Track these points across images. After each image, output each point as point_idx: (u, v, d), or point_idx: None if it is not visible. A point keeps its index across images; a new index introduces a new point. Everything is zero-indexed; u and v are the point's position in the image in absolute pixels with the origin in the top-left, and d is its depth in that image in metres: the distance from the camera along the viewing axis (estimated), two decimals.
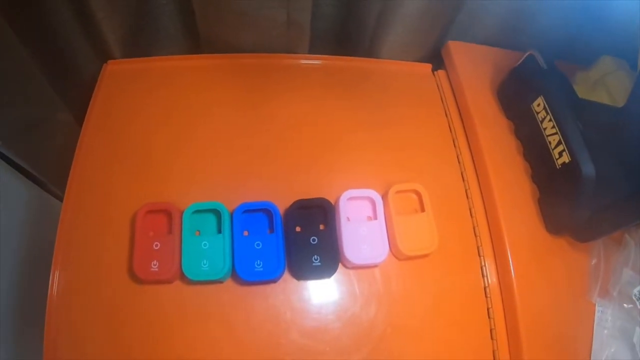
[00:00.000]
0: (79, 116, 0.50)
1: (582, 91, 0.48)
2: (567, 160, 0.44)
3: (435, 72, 0.56)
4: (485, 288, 0.47)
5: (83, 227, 0.45)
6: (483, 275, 0.47)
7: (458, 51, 0.55)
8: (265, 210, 0.44)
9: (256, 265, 0.42)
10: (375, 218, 0.45)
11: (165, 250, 0.42)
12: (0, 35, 0.45)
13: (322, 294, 0.44)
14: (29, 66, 0.49)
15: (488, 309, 0.46)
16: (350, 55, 0.56)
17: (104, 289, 0.43)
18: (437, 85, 0.55)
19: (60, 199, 0.45)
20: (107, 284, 0.43)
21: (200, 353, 0.41)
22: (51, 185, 0.63)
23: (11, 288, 0.59)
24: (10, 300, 0.59)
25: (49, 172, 0.60)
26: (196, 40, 0.56)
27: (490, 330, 0.46)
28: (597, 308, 0.46)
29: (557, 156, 0.45)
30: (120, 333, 0.42)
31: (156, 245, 0.42)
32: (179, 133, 0.50)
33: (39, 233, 0.62)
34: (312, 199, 0.44)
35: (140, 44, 0.54)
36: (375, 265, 0.45)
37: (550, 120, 0.46)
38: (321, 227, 0.45)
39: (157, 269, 0.42)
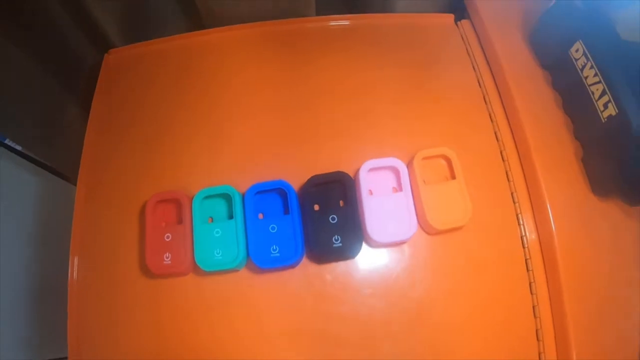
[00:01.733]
0: (88, 107, 0.48)
1: (626, 32, 0.41)
2: (613, 113, 0.38)
3: (458, 23, 0.50)
4: (526, 260, 0.42)
5: (96, 217, 0.43)
6: (524, 246, 0.43)
7: None
8: (279, 190, 0.41)
9: (272, 251, 0.39)
10: (401, 189, 0.41)
11: (177, 241, 0.40)
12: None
13: (345, 277, 0.41)
14: (33, 70, 0.48)
15: (530, 284, 0.42)
16: (362, 12, 0.50)
17: (119, 283, 0.41)
18: (462, 37, 0.49)
19: None
20: (122, 278, 0.41)
21: (218, 345, 0.39)
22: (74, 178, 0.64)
23: (29, 272, 0.60)
24: (28, 281, 0.60)
25: (70, 166, 0.59)
26: (197, 17, 0.53)
27: (533, 306, 0.41)
28: None
29: (601, 108, 0.39)
30: (137, 328, 0.40)
31: (167, 237, 0.40)
32: (185, 115, 0.46)
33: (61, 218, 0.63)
34: (329, 173, 0.40)
35: (140, 29, 0.51)
36: (402, 243, 0.41)
37: (591, 67, 0.40)
38: (341, 203, 0.41)
39: (169, 262, 0.39)
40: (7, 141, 0.53)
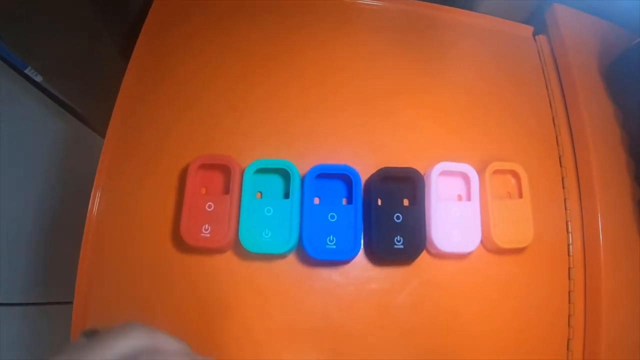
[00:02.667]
0: (126, 54, 0.42)
1: None
2: None
3: (536, 37, 0.48)
4: (569, 293, 0.41)
5: (124, 172, 0.38)
6: (569, 278, 0.41)
7: (564, 16, 0.47)
8: (343, 176, 0.37)
9: (328, 242, 0.35)
10: (469, 199, 0.38)
11: (220, 212, 0.35)
12: None
13: (398, 280, 0.37)
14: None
15: (569, 316, 0.40)
16: (446, 4, 0.47)
17: (143, 244, 0.36)
18: (538, 53, 0.47)
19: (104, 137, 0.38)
20: (147, 246, 0.36)
21: (252, 336, 0.35)
22: (94, 121, 0.57)
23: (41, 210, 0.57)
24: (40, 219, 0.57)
25: (91, 108, 0.53)
26: None
27: (568, 340, 0.40)
28: None
29: None
30: (159, 305, 0.35)
31: (209, 206, 0.35)
32: (241, 77, 0.41)
33: (81, 168, 0.58)
34: (401, 168, 0.37)
35: None
36: (462, 255, 0.38)
37: None
38: (405, 202, 0.38)
39: (208, 235, 0.34)
40: (28, 70, 0.45)
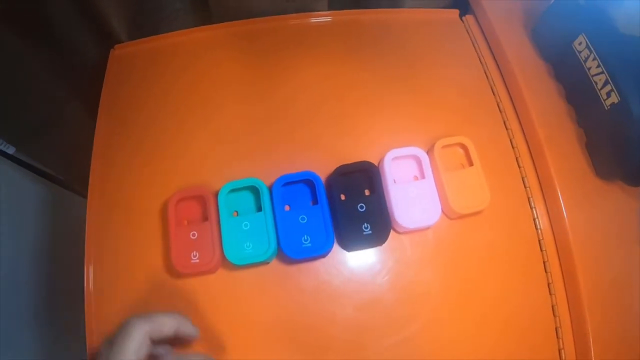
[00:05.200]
0: (91, 109, 0.46)
1: (626, 27, 0.44)
2: (616, 101, 0.40)
3: (463, 18, 0.52)
4: (539, 240, 0.44)
5: (111, 222, 0.41)
6: (536, 228, 0.45)
7: None
8: (306, 181, 0.41)
9: (304, 241, 0.39)
10: (423, 177, 0.42)
11: (204, 238, 0.39)
12: (2, 41, 0.42)
13: (374, 263, 0.41)
14: (33, 66, 0.46)
15: (544, 262, 0.44)
16: (372, 8, 0.51)
17: (142, 288, 0.40)
18: (467, 31, 0.51)
19: (83, 196, 0.42)
20: (144, 282, 0.40)
21: (251, 340, 0.38)
22: (71, 183, 0.60)
23: (34, 286, 0.59)
24: (34, 296, 0.58)
25: (66, 169, 0.57)
26: (206, 13, 0.52)
27: (548, 284, 0.43)
28: None
29: (604, 97, 0.42)
30: None
31: (193, 235, 0.39)
32: (200, 110, 0.46)
33: (63, 230, 0.60)
34: (355, 163, 0.41)
35: (147, 24, 0.50)
36: (427, 228, 0.42)
37: (594, 59, 0.42)
38: (366, 192, 0.42)
39: (198, 260, 0.38)
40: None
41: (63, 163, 0.57)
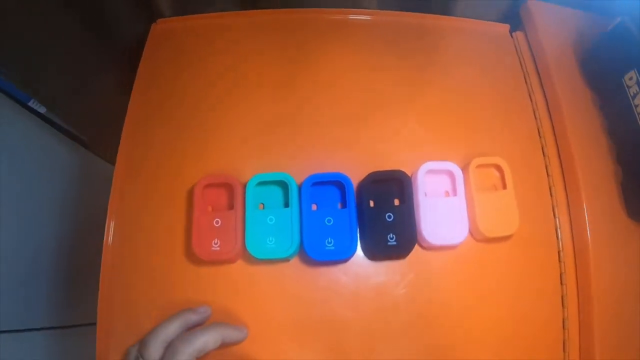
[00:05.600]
0: (125, 81, 0.46)
1: None
2: None
3: (513, 34, 0.51)
4: (561, 274, 0.43)
5: (136, 199, 0.41)
6: (560, 261, 0.44)
7: (539, 11, 0.49)
8: (336, 183, 0.40)
9: (327, 244, 0.38)
10: (455, 194, 0.41)
11: (227, 226, 0.38)
12: (43, 2, 0.41)
13: (394, 274, 0.40)
14: (70, 30, 0.46)
15: (562, 297, 0.43)
16: (423, 12, 0.50)
17: (159, 271, 0.40)
18: (516, 48, 0.50)
19: (109, 163, 0.42)
20: (162, 264, 0.40)
21: (264, 336, 0.38)
22: (96, 148, 0.61)
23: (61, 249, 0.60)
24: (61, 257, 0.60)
25: (93, 135, 0.57)
26: None
27: (563, 320, 0.42)
28: None
29: None
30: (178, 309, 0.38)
31: (217, 222, 0.39)
32: (237, 97, 0.45)
33: (89, 194, 0.61)
34: (388, 171, 0.40)
35: (191, 1, 0.49)
36: (452, 247, 0.41)
37: None
38: (396, 202, 0.41)
39: (218, 248, 0.38)
40: (31, 103, 0.50)
41: (91, 129, 0.56)
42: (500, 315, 0.41)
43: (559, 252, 0.44)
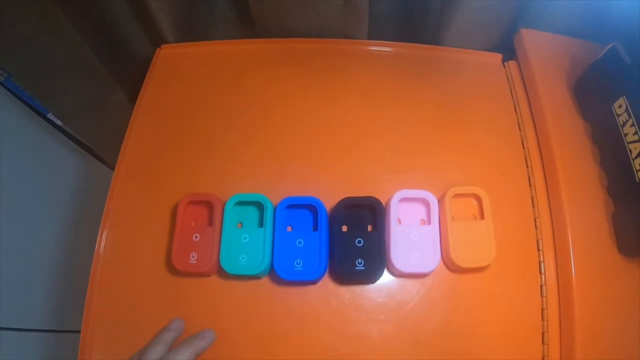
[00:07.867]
0: (133, 97, 0.50)
1: None
2: None
3: (505, 63, 0.51)
4: (543, 309, 0.42)
5: (128, 211, 0.45)
6: (542, 295, 0.43)
7: (532, 40, 0.49)
8: (310, 207, 0.42)
9: (296, 264, 0.40)
10: (429, 223, 0.41)
11: (205, 242, 0.41)
12: (57, 24, 0.46)
13: (362, 300, 0.41)
14: (85, 52, 0.50)
15: (543, 333, 0.42)
16: (413, 42, 0.51)
17: (143, 273, 0.43)
18: (507, 78, 0.50)
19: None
20: (146, 275, 0.42)
21: (230, 346, 0.40)
22: (105, 158, 0.66)
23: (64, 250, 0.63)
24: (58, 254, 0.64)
25: (104, 148, 0.62)
26: (251, 25, 0.54)
27: (543, 357, 0.41)
28: None
29: (637, 167, 0.39)
30: (156, 317, 0.41)
31: (196, 237, 0.41)
32: (227, 120, 0.48)
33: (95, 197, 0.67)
34: (361, 197, 0.41)
35: (194, 28, 0.53)
36: (424, 275, 0.41)
37: (632, 125, 0.40)
38: (369, 228, 0.42)
39: (195, 261, 0.40)
40: (49, 115, 0.55)
41: (102, 142, 0.61)
42: (472, 347, 0.41)
43: (541, 287, 0.43)
